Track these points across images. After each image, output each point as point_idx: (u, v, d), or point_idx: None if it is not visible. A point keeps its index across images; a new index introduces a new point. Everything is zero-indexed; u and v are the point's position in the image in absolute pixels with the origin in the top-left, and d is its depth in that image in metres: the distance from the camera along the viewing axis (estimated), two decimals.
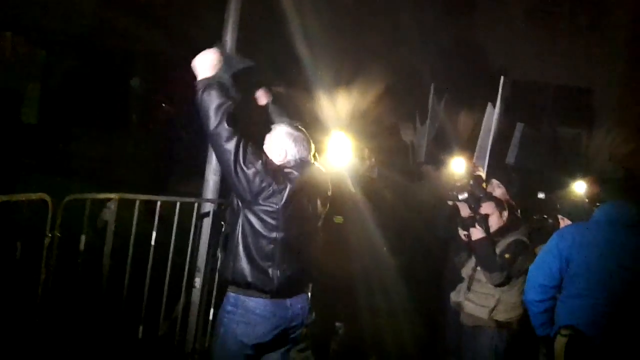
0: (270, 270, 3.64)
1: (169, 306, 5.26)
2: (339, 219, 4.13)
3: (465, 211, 5.48)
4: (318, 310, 4.29)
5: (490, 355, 5.10)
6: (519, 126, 12.40)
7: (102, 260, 4.57)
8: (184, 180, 11.25)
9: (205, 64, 3.60)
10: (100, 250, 4.60)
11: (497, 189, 5.68)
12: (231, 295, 3.76)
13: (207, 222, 5.55)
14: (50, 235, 4.09)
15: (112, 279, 4.66)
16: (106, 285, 4.58)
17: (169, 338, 5.37)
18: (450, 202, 5.67)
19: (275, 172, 3.63)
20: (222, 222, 5.40)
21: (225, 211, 4.98)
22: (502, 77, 7.71)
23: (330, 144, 5.02)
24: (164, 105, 12.36)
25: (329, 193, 4.00)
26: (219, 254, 3.87)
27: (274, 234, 3.62)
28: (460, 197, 5.38)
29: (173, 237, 5.11)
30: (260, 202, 3.59)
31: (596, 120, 21.02)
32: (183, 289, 5.39)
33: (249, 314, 3.67)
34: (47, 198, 4.06)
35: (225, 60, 3.69)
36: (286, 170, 3.71)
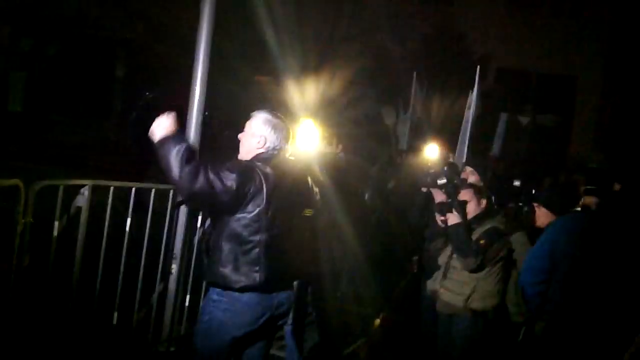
0: (256, 274, 3.66)
1: (144, 293, 5.26)
2: (308, 212, 4.15)
3: (440, 197, 5.50)
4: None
5: (465, 343, 5.12)
6: (503, 116, 12.46)
7: (76, 247, 4.57)
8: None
9: (160, 128, 3.58)
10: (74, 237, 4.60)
11: (472, 176, 5.71)
12: (216, 288, 3.78)
13: (183, 210, 5.55)
14: (23, 221, 4.09)
15: (87, 266, 4.67)
16: (79, 271, 4.58)
17: (145, 325, 5.37)
18: (424, 189, 5.69)
19: (250, 175, 3.61)
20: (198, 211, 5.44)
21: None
22: (477, 67, 7.76)
23: (299, 131, 5.04)
24: (146, 93, 12.26)
25: (310, 185, 4.01)
26: (203, 259, 3.86)
27: (257, 237, 3.64)
28: (439, 181, 5.39)
29: (148, 224, 5.11)
30: (243, 208, 3.61)
31: (579, 107, 21.10)
32: (158, 275, 5.39)
33: (235, 302, 3.70)
34: (20, 184, 4.06)
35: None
36: (263, 168, 3.69)
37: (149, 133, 3.58)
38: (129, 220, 4.92)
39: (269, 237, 3.66)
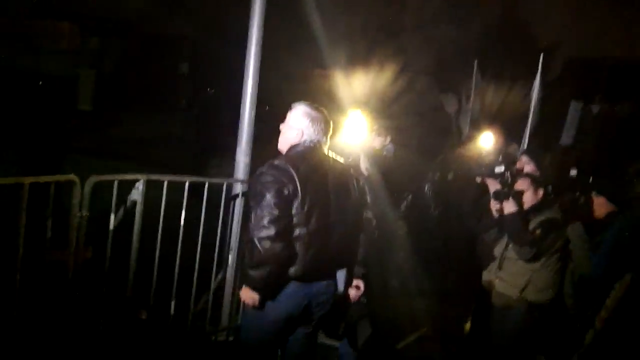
0: (295, 268, 3.71)
1: (201, 284, 5.35)
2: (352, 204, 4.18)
3: (494, 187, 5.42)
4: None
5: (520, 335, 5.04)
6: (574, 105, 12.15)
7: (132, 240, 4.69)
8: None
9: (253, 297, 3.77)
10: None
11: (527, 166, 5.60)
12: None
13: (238, 202, 5.62)
14: (79, 215, 4.22)
15: (144, 258, 4.78)
16: (136, 263, 4.70)
17: (203, 315, 5.47)
18: (478, 179, 5.61)
19: (279, 184, 3.64)
20: None
21: None
22: (540, 55, 7.60)
23: (347, 122, 5.03)
24: (208, 89, 12.45)
25: (352, 178, 4.01)
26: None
27: (296, 232, 3.67)
28: (496, 170, 5.30)
29: (202, 218, 5.20)
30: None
31: None
32: (214, 266, 5.48)
33: (276, 291, 3.75)
34: (76, 179, 4.19)
35: None
36: (291, 163, 3.70)
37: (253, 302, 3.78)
38: (183, 213, 5.00)
39: (307, 231, 3.68)
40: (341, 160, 4.07)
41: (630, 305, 4.33)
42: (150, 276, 4.85)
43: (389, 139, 6.34)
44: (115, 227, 4.60)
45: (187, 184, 5.07)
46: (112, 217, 4.52)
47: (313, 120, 3.84)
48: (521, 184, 5.18)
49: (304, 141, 3.82)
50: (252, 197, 3.72)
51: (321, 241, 3.76)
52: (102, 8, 24.05)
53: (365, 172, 5.20)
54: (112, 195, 4.50)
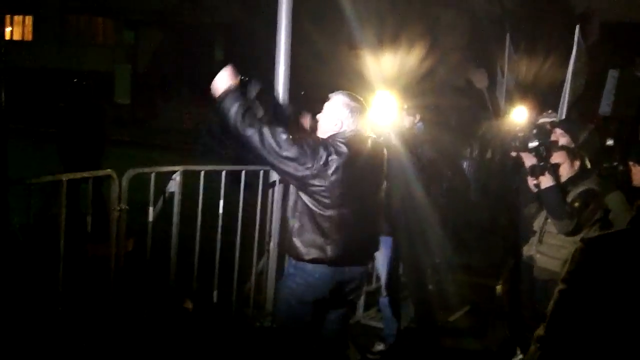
0: (326, 247, 3.74)
1: (242, 271, 5.41)
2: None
3: (530, 161, 5.36)
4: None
5: None
6: (612, 72, 11.88)
7: (171, 230, 4.75)
8: None
9: (220, 82, 3.71)
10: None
11: (562, 138, 5.52)
12: (292, 260, 3.90)
13: (276, 189, 5.64)
14: (118, 208, 4.30)
15: (184, 249, 4.85)
16: (177, 254, 4.76)
17: (246, 302, 5.54)
18: (513, 154, 5.55)
19: (315, 151, 3.65)
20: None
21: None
22: (577, 26, 7.41)
23: (375, 102, 5.01)
24: (242, 77, 12.44)
25: (384, 167, 4.02)
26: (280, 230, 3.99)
27: (328, 212, 3.70)
28: (530, 144, 5.23)
29: (240, 206, 5.24)
30: (310, 182, 3.66)
31: None
32: (254, 254, 5.53)
33: (308, 276, 3.81)
34: (113, 174, 4.27)
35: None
36: (336, 144, 3.73)
37: (211, 89, 3.74)
38: (221, 202, 5.05)
39: (339, 213, 3.70)
40: (378, 139, 4.08)
41: None
42: (191, 266, 4.92)
43: (418, 117, 6.30)
44: (155, 218, 4.67)
45: (223, 173, 5.11)
46: (151, 209, 4.58)
47: (352, 110, 3.86)
48: (557, 157, 5.11)
49: (344, 131, 3.84)
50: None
51: (354, 225, 3.78)
52: (135, 2, 24.26)
53: (396, 150, 5.19)
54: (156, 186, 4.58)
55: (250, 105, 3.65)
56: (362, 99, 3.97)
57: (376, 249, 4.19)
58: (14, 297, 4.08)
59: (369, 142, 3.93)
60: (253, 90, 3.89)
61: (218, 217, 5.07)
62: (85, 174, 4.22)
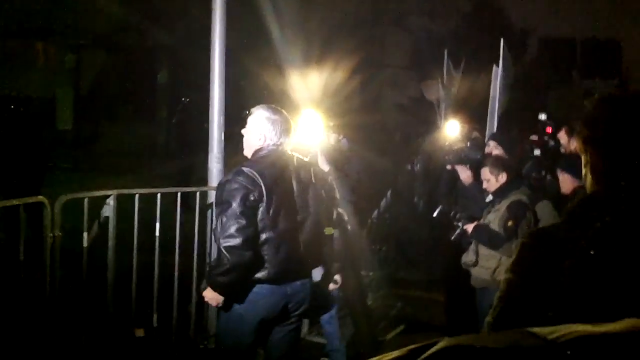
0: (266, 267, 3.75)
1: (182, 294, 5.39)
2: (329, 230, 4.26)
3: (464, 174, 5.50)
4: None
5: None
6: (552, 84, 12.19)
7: (107, 255, 4.73)
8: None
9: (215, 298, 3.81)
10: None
11: (495, 150, 5.69)
12: None
13: (214, 210, 5.65)
14: (51, 235, 4.27)
15: (120, 273, 4.83)
16: (113, 278, 4.74)
17: (186, 324, 5.51)
18: (448, 167, 5.69)
19: (244, 189, 3.68)
20: None
21: None
22: (501, 40, 7.64)
23: (301, 121, 5.07)
24: (184, 98, 12.48)
25: (307, 180, 4.03)
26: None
27: (264, 235, 3.72)
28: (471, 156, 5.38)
29: (177, 227, 5.23)
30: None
31: (630, 71, 20.53)
32: (194, 276, 5.51)
33: (250, 294, 3.81)
34: (44, 200, 4.24)
35: None
36: (255, 167, 3.75)
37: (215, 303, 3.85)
38: (157, 225, 5.04)
39: (275, 234, 3.74)
40: (304, 158, 4.12)
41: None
42: (129, 290, 4.90)
43: (342, 134, 6.41)
44: (90, 243, 4.64)
45: (159, 196, 5.11)
46: (85, 234, 4.55)
47: (274, 122, 3.88)
48: (484, 174, 5.28)
49: (267, 145, 3.87)
50: (218, 205, 3.76)
51: (290, 242, 3.82)
52: (77, 24, 23.98)
53: (325, 169, 5.27)
54: (92, 211, 4.56)
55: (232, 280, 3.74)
56: (284, 112, 3.99)
57: (317, 263, 4.21)
58: None
59: (294, 158, 3.97)
60: None
61: (155, 240, 5.06)
62: (15, 201, 4.18)
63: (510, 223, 5.04)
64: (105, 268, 4.73)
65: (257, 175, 3.70)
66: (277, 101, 4.12)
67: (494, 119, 7.35)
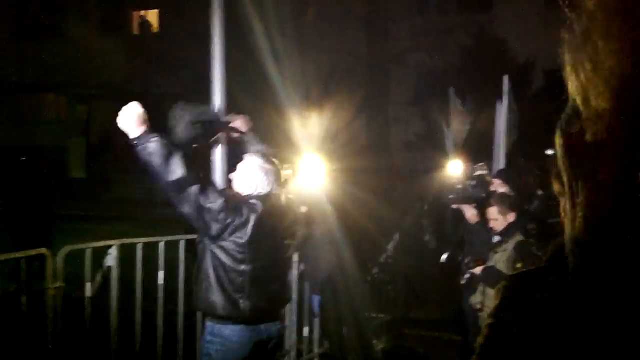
0: (241, 302, 3.75)
1: (186, 343, 5.34)
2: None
3: (470, 212, 5.48)
4: None
5: None
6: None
7: (110, 305, 4.71)
8: None
9: (132, 119, 3.60)
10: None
11: (501, 188, 5.65)
12: (209, 324, 3.90)
13: None
14: (53, 287, 4.27)
15: (125, 322, 4.80)
16: (117, 328, 4.71)
17: None
18: (454, 206, 5.67)
19: (237, 207, 3.73)
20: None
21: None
22: (505, 77, 7.62)
23: (303, 164, 5.09)
24: (194, 145, 12.53)
25: (291, 222, 4.12)
26: (193, 287, 3.97)
27: (242, 267, 3.74)
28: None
29: (181, 275, 5.20)
30: (227, 237, 3.71)
31: None
32: (198, 322, 5.46)
33: (226, 342, 3.81)
34: (46, 252, 4.25)
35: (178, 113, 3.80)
36: (250, 202, 3.81)
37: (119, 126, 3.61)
38: (160, 274, 5.03)
39: (253, 268, 3.75)
40: (290, 198, 4.16)
41: None
42: (133, 339, 4.87)
43: (345, 179, 6.43)
44: (94, 293, 4.64)
45: (161, 245, 5.11)
46: (88, 285, 4.55)
47: (267, 173, 3.93)
48: (490, 214, 5.24)
49: (259, 193, 3.91)
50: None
51: (265, 279, 3.85)
52: (86, 76, 24.36)
53: (328, 211, 5.28)
54: (97, 260, 4.57)
55: (172, 152, 3.53)
56: (275, 161, 4.04)
57: (286, 303, 4.22)
58: None
59: (282, 201, 4.03)
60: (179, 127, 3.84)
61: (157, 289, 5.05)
62: (17, 254, 4.20)
63: (519, 265, 4.98)
64: (109, 318, 4.70)
65: (250, 210, 3.77)
66: (278, 145, 4.14)
67: (500, 155, 7.31)
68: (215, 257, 3.76)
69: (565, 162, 0.90)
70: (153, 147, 3.51)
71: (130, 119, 3.58)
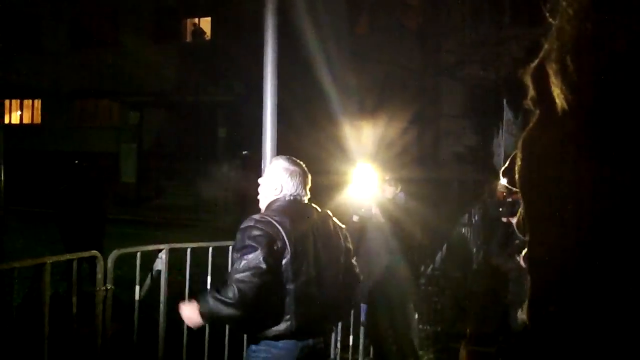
0: (288, 323, 3.67)
1: (232, 349, 5.36)
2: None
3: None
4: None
5: None
6: None
7: (158, 308, 4.76)
8: None
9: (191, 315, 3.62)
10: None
11: None
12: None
13: None
14: (103, 289, 4.33)
15: (172, 326, 4.84)
16: (165, 332, 4.76)
17: None
18: (504, 219, 5.58)
19: (269, 237, 3.57)
20: None
21: None
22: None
23: (356, 174, 5.06)
24: (243, 152, 12.70)
25: (327, 232, 3.95)
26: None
27: (286, 287, 3.65)
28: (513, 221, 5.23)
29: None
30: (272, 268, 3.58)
31: None
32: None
33: (272, 348, 3.73)
34: (97, 254, 4.32)
35: None
36: (276, 218, 3.66)
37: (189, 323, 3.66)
38: (209, 279, 5.07)
39: (297, 286, 3.67)
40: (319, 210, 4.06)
41: None
42: (181, 344, 4.90)
43: (399, 188, 6.37)
44: (143, 296, 4.70)
45: (210, 249, 5.15)
46: (137, 288, 4.61)
47: (292, 174, 3.84)
48: None
49: (284, 195, 3.83)
50: (237, 250, 3.57)
51: (312, 295, 3.75)
52: (140, 83, 24.83)
53: (378, 221, 5.24)
54: (146, 264, 4.62)
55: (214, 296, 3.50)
56: (302, 163, 3.95)
57: (340, 317, 4.10)
58: None
59: (311, 208, 3.92)
60: None
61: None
62: (69, 256, 4.27)
63: None
64: (157, 321, 4.75)
65: (279, 226, 3.61)
66: (331, 154, 4.11)
67: None
68: None
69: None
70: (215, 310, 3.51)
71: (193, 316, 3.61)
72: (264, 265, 3.45)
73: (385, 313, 5.55)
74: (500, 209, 5.51)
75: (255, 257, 3.48)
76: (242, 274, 3.43)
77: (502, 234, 6.01)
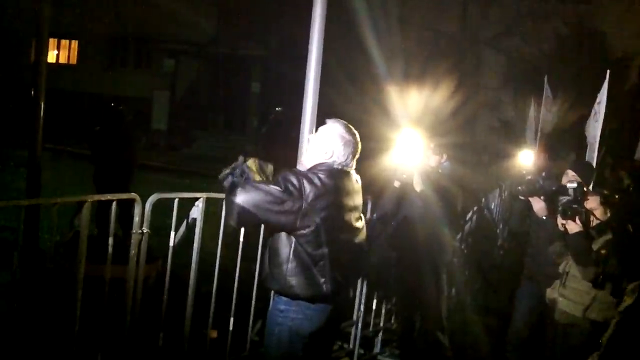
0: (324, 285, 3.71)
1: (260, 301, 5.39)
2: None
3: (538, 205, 5.32)
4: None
5: (583, 356, 4.89)
6: None
7: (192, 257, 4.79)
8: None
9: None
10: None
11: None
12: (283, 298, 3.85)
13: None
14: (139, 232, 4.36)
15: (203, 275, 4.88)
16: (196, 279, 4.79)
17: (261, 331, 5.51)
18: (522, 197, 5.50)
19: (303, 186, 3.62)
20: None
21: None
22: (607, 72, 7.27)
23: (400, 140, 5.00)
24: (277, 108, 12.63)
25: (359, 202, 3.99)
26: (266, 268, 3.89)
27: (321, 250, 3.67)
28: (569, 185, 5.13)
29: (261, 235, 5.23)
30: (300, 225, 3.63)
31: None
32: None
33: (303, 308, 3.77)
34: (137, 197, 4.33)
35: None
36: (321, 177, 3.70)
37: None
38: (242, 230, 5.07)
39: (331, 250, 3.68)
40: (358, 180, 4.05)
41: None
42: (210, 292, 4.95)
43: (445, 156, 6.28)
44: (178, 243, 4.72)
45: None
46: (172, 234, 4.63)
47: (346, 143, 3.83)
48: (590, 202, 5.01)
49: (333, 162, 3.81)
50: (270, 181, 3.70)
51: (343, 259, 3.78)
52: (176, 32, 24.75)
53: (418, 190, 5.19)
54: (180, 212, 4.64)
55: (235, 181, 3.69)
56: (357, 133, 3.92)
57: (356, 280, 4.12)
58: (32, 316, 4.15)
59: (353, 179, 3.92)
60: None
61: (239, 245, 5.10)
62: (109, 196, 4.30)
63: (603, 252, 4.80)
64: (188, 269, 4.79)
65: (323, 187, 3.67)
66: (375, 117, 4.07)
67: (593, 151, 7.04)
68: (294, 243, 3.68)
69: None
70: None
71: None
72: (278, 198, 3.54)
73: (417, 281, 5.54)
74: (519, 188, 5.44)
75: (276, 191, 3.56)
76: (254, 190, 3.55)
77: (520, 212, 5.92)
